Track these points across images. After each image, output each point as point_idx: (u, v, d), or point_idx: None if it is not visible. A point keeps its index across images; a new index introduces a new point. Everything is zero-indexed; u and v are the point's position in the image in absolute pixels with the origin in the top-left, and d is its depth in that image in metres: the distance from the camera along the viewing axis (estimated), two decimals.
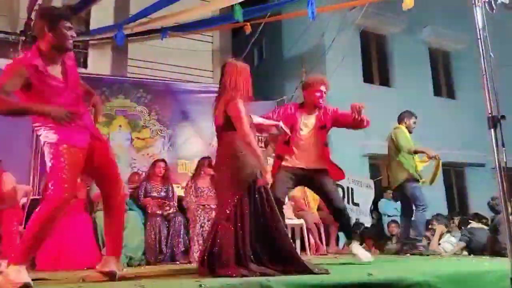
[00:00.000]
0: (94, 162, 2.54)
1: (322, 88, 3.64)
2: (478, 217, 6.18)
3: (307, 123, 3.67)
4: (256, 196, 2.74)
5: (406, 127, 5.09)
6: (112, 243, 2.64)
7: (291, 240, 2.80)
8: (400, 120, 5.18)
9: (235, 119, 2.78)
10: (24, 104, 2.35)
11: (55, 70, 2.42)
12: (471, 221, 5.59)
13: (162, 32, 7.32)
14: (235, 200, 2.70)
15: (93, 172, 2.63)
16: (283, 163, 3.64)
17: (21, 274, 2.19)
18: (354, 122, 3.55)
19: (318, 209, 6.16)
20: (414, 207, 4.84)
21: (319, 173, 3.63)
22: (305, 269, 2.54)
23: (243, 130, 2.76)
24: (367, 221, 7.18)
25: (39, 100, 2.34)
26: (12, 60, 2.51)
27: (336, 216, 3.74)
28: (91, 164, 2.53)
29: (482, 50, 3.14)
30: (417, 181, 4.82)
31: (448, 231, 5.44)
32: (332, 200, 3.65)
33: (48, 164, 2.39)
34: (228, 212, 2.69)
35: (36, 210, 2.31)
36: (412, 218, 4.95)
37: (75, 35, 2.46)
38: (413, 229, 4.79)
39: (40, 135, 2.45)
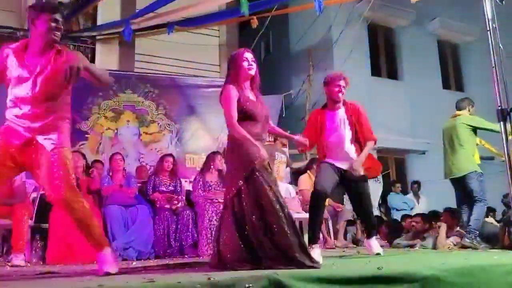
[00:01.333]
0: (26, 165, 2.49)
1: (341, 83, 3.68)
2: (488, 210, 6.14)
3: (333, 120, 3.70)
4: (257, 185, 2.64)
5: (470, 115, 4.82)
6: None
7: (291, 237, 2.58)
8: (462, 107, 4.88)
9: (222, 105, 2.77)
10: None
11: (35, 62, 2.44)
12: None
13: (169, 26, 7.33)
14: (234, 190, 2.66)
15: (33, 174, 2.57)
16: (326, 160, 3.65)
17: None
18: (363, 136, 3.71)
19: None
20: (474, 201, 4.52)
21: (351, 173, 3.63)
22: (298, 266, 2.45)
23: (227, 115, 2.72)
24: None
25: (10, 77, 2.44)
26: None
27: (363, 218, 3.96)
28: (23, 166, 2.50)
29: (492, 41, 3.11)
30: (482, 173, 4.63)
31: (458, 225, 5.40)
32: (362, 204, 3.76)
33: None
34: (229, 197, 2.68)
35: None
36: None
37: (60, 26, 2.46)
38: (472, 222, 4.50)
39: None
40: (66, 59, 2.47)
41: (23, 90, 2.41)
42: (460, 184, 4.72)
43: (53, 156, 2.42)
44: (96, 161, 5.74)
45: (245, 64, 2.81)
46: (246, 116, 2.74)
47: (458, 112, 4.90)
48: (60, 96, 2.51)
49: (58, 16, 2.45)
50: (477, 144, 4.82)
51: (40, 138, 2.44)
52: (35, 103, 2.42)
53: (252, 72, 2.83)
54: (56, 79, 2.45)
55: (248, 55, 2.85)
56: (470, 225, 4.49)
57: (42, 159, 2.43)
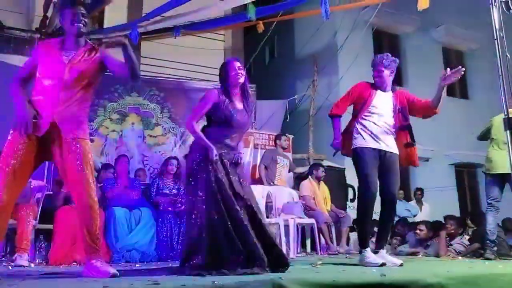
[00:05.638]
0: (55, 156, 2.51)
1: (380, 68, 3.64)
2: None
3: (382, 101, 3.62)
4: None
5: None
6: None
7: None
8: None
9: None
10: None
11: (67, 53, 2.54)
12: None
13: (175, 30, 7.36)
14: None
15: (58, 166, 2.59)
16: (362, 143, 3.51)
17: None
18: (425, 107, 3.75)
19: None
20: None
21: (392, 157, 3.56)
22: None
23: (190, 114, 3.00)
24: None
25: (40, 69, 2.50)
26: None
27: (386, 206, 3.62)
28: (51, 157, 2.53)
29: (499, 50, 3.12)
30: None
31: (461, 233, 5.39)
32: (389, 186, 3.56)
33: None
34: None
35: None
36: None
37: (81, 18, 2.53)
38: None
39: None
40: (100, 54, 2.60)
41: (53, 79, 2.46)
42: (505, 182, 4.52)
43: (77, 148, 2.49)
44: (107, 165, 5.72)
45: (233, 73, 2.97)
46: (223, 120, 2.92)
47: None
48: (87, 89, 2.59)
49: (78, 9, 2.54)
50: None
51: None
52: (68, 89, 2.48)
53: (241, 80, 2.99)
54: (87, 71, 2.54)
55: (237, 64, 3.01)
56: None
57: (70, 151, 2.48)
